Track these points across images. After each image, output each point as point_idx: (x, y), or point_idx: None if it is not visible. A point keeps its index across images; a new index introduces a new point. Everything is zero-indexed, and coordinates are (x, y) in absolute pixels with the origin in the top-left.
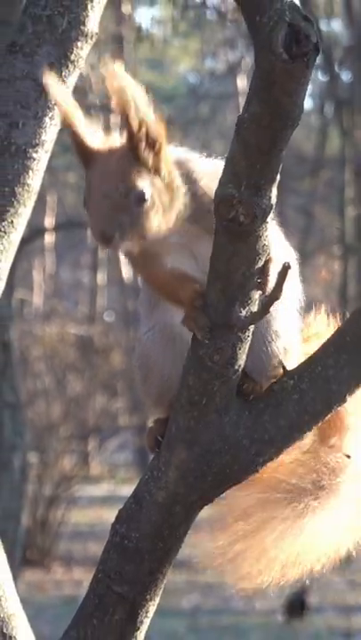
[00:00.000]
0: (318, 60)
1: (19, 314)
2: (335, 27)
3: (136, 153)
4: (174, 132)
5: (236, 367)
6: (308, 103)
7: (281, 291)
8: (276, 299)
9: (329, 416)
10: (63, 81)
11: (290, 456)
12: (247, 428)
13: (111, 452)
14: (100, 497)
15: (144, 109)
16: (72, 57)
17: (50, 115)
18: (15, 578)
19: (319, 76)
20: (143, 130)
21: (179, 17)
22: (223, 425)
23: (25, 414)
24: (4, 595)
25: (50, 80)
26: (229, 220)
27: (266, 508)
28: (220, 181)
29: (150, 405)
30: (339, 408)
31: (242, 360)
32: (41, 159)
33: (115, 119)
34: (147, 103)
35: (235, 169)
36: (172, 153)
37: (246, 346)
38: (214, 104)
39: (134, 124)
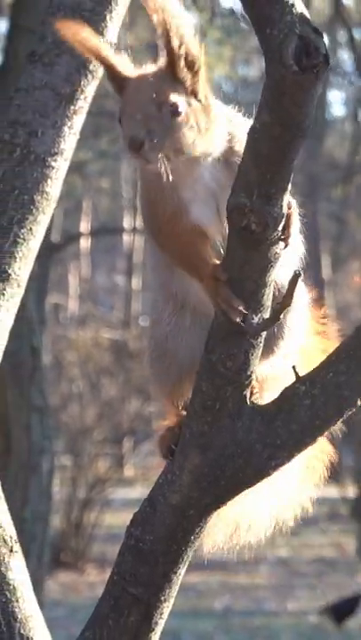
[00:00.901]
0: (351, 66)
1: (54, 318)
2: None
3: (174, 70)
4: None
5: (249, 373)
6: (341, 110)
7: (292, 298)
8: (288, 306)
9: None
10: (82, 91)
11: None
12: (260, 432)
13: (145, 455)
14: (133, 499)
15: (185, 29)
16: (91, 67)
17: (68, 124)
18: (46, 581)
19: (351, 83)
20: (183, 48)
21: (208, 24)
22: (236, 430)
23: (59, 418)
24: (22, 596)
25: (68, 25)
26: (242, 229)
27: None
28: (232, 190)
29: (165, 393)
30: None
31: (254, 366)
32: (60, 167)
33: None
34: (188, 24)
35: (247, 178)
36: (214, 98)
37: (259, 352)
38: (247, 111)
39: (174, 42)
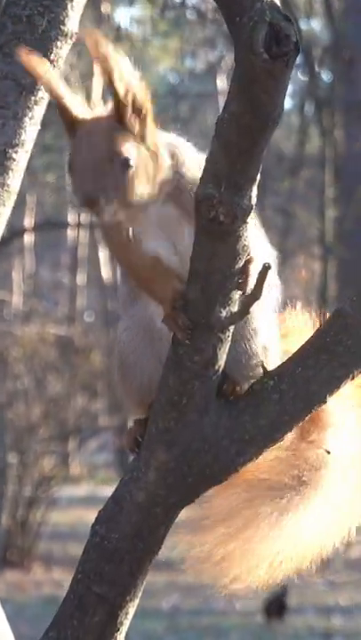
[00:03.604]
0: (298, 59)
1: None
2: (315, 26)
3: (122, 119)
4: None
5: (217, 367)
6: (288, 103)
7: (261, 291)
8: (257, 299)
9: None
10: None
11: (271, 454)
12: (227, 428)
13: (91, 453)
14: (80, 497)
15: (129, 75)
16: (52, 56)
17: (29, 115)
18: None
19: (299, 76)
20: (129, 95)
21: (158, 16)
22: (203, 425)
23: (4, 415)
24: None
25: (29, 56)
26: (210, 220)
27: (249, 507)
28: (200, 181)
29: (130, 405)
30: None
31: (222, 360)
32: (20, 160)
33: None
34: (132, 70)
35: (215, 169)
36: (158, 132)
37: (226, 346)
38: (194, 103)
39: (120, 89)
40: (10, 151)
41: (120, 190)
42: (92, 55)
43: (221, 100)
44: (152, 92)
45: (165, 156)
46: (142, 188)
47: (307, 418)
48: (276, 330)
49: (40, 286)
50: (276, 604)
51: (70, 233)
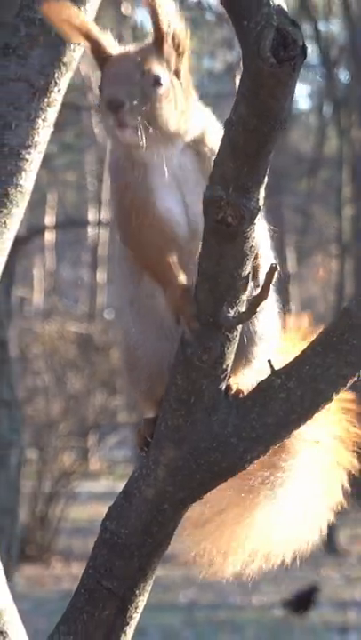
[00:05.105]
0: (316, 60)
1: (18, 311)
2: (333, 27)
3: (161, 46)
4: None
5: (224, 366)
6: (306, 103)
7: (268, 291)
8: (264, 299)
9: None
10: (56, 83)
11: None
12: (235, 426)
13: (110, 449)
14: (99, 493)
15: (174, 14)
16: (65, 59)
17: (42, 117)
18: (14, 573)
19: (317, 77)
20: (171, 30)
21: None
22: (211, 423)
23: (25, 411)
24: None
25: (52, 4)
26: (217, 222)
27: (234, 499)
28: (208, 182)
29: (139, 398)
30: None
31: (230, 359)
32: (34, 160)
33: None
34: (176, 11)
35: (223, 171)
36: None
37: (234, 345)
38: (213, 103)
39: (163, 20)
40: (23, 152)
41: (147, 101)
42: None
43: None
44: None
45: (197, 109)
46: (169, 113)
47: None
48: (279, 328)
49: (60, 284)
50: (306, 599)
51: (91, 231)
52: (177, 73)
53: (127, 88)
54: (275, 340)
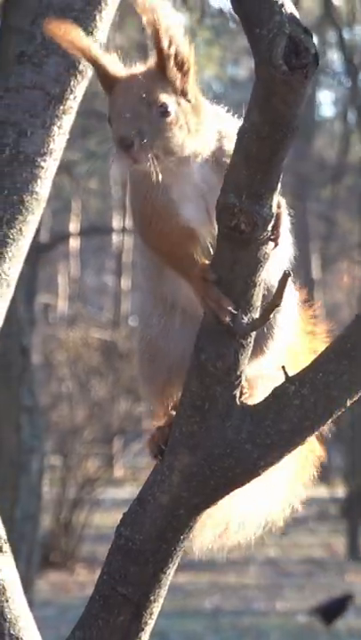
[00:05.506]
0: (340, 67)
1: (43, 318)
2: (357, 34)
3: (164, 70)
4: None
5: (238, 373)
6: (330, 110)
7: (282, 298)
8: (277, 306)
9: None
10: (71, 91)
11: None
12: (249, 432)
13: (134, 455)
14: (123, 499)
15: (175, 29)
16: (80, 67)
17: (58, 124)
18: (37, 579)
19: (342, 84)
20: (173, 48)
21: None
22: (225, 430)
23: (49, 418)
24: (12, 596)
25: (58, 25)
26: (231, 229)
27: None
28: (221, 190)
29: (154, 398)
30: None
31: (244, 366)
32: (49, 168)
33: None
34: (178, 24)
35: (236, 178)
36: (203, 98)
37: (248, 352)
38: (236, 111)
39: (164, 41)
40: (38, 159)
41: (156, 135)
42: (139, 6)
43: None
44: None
45: (210, 117)
46: (181, 139)
47: None
48: (294, 333)
49: (85, 291)
50: (338, 608)
51: (115, 238)
52: (184, 92)
53: (135, 124)
54: (290, 332)
